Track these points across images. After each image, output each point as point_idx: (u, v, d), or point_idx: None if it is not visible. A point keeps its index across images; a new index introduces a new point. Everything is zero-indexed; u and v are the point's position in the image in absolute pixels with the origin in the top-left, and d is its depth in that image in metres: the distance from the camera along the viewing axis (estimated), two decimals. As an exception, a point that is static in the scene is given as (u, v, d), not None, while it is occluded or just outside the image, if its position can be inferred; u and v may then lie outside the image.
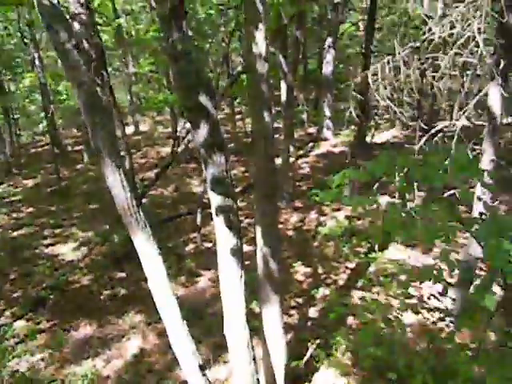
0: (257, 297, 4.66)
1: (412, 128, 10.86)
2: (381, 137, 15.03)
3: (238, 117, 19.29)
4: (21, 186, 14.25)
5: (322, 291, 6.87)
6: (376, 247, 7.69)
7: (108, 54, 19.44)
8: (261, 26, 3.89)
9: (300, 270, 7.61)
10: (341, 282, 7.13)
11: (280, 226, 9.27)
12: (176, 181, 12.88)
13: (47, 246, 9.30)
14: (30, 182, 14.69)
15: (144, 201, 9.71)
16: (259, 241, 4.45)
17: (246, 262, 7.22)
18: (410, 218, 2.46)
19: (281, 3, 7.10)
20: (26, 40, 16.92)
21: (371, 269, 7.22)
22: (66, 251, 8.92)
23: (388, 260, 7.26)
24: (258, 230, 4.43)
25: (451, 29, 4.21)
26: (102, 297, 7.17)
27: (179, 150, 9.71)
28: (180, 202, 11.50)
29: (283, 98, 10.78)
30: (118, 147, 3.19)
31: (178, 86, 3.40)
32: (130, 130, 21.37)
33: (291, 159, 12.95)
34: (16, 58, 19.92)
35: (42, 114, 18.48)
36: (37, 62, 15.92)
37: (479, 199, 4.84)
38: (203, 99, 3.28)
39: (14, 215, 11.47)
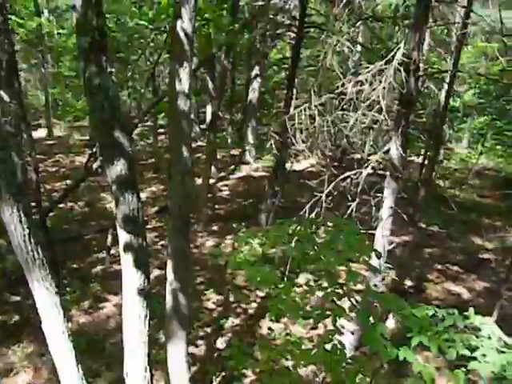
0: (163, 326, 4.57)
1: (328, 158, 11.50)
2: (300, 164, 15.68)
3: (160, 130, 18.97)
4: None
5: (231, 321, 6.91)
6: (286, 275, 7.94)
7: (26, 48, 18.15)
8: (186, 64, 3.93)
9: (212, 298, 7.60)
10: (250, 311, 7.24)
11: (195, 250, 9.23)
12: (88, 194, 12.25)
13: None
14: None
15: (51, 214, 9.10)
16: (169, 274, 4.38)
17: (157, 288, 7.10)
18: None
19: (209, 35, 7.22)
20: None
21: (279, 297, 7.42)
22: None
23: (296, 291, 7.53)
24: (170, 263, 4.37)
25: (361, 85, 4.61)
26: (-9, 323, 6.53)
27: (94, 165, 9.26)
28: (91, 218, 10.93)
29: (208, 120, 10.88)
30: (19, 181, 2.99)
31: (93, 120, 3.31)
32: (42, 133, 19.98)
33: (212, 180, 13.03)
34: None
35: None
36: None
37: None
38: (118, 135, 3.22)
39: None
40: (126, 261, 3.41)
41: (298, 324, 6.21)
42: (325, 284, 2.42)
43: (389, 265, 6.49)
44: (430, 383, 1.96)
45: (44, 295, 3.18)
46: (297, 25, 9.73)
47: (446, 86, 8.62)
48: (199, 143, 17.80)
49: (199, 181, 11.54)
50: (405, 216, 5.92)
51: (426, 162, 10.84)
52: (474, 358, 2.12)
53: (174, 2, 3.96)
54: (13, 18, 6.47)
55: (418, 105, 11.63)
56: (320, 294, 2.45)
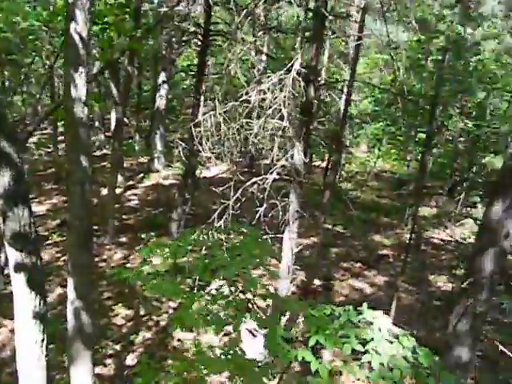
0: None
1: (237, 164, 11.67)
2: (210, 171, 15.69)
3: (60, 138, 17.75)
4: None
5: (143, 335, 6.67)
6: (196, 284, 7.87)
7: None
8: (81, 69, 3.74)
9: (121, 313, 7.26)
10: (162, 323, 7.05)
11: (102, 264, 8.77)
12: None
13: None
14: None
15: None
16: (71, 292, 4.11)
17: (59, 308, 6.59)
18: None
19: (111, 39, 6.94)
20: None
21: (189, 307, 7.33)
22: None
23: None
24: (70, 280, 4.10)
25: (264, 94, 4.76)
26: None
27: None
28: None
29: (112, 126, 10.43)
30: None
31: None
32: None
33: (119, 190, 12.49)
34: None
35: None
36: None
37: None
38: (3, 145, 2.96)
39: None
40: (18, 282, 3.12)
41: (209, 332, 6.18)
42: (226, 291, 2.44)
43: (297, 266, 6.75)
44: (326, 379, 2.08)
45: None
46: (202, 32, 9.77)
47: (344, 95, 9.22)
48: (104, 151, 16.98)
49: (105, 191, 11.00)
50: (311, 218, 6.21)
51: (330, 166, 11.53)
52: (367, 351, 2.29)
53: (67, 3, 3.75)
54: None
55: (320, 112, 12.34)
56: (222, 301, 2.46)
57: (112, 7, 9.48)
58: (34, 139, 16.59)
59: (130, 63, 9.60)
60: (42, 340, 3.26)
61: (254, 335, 5.83)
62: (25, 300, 3.12)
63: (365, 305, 2.63)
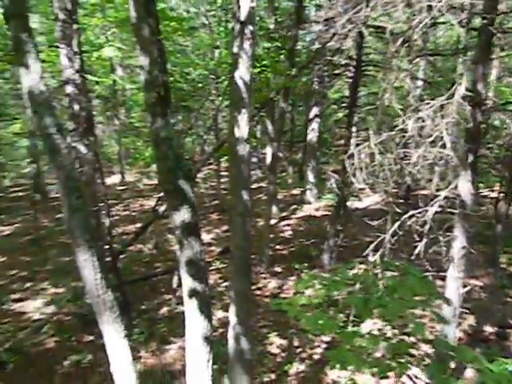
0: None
1: (392, 195, 11.14)
2: (362, 202, 15.32)
3: (224, 173, 19.55)
4: (-3, 233, 13.94)
5: (296, 366, 6.68)
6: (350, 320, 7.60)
7: (100, 103, 19.95)
8: (244, 110, 4.08)
9: (275, 342, 7.43)
10: (316, 357, 6.96)
11: (257, 292, 9.17)
12: (156, 237, 12.75)
13: (15, 301, 8.96)
14: (6, 229, 14.37)
15: (121, 256, 9.57)
16: (232, 318, 4.38)
17: (221, 330, 7.07)
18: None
19: (267, 80, 7.48)
20: (19, 85, 17.30)
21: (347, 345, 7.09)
22: (34, 309, 8.59)
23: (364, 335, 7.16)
24: (232, 306, 4.38)
25: (423, 122, 4.48)
26: (66, 362, 6.83)
27: (161, 208, 9.70)
28: (158, 259, 11.33)
29: (268, 161, 11.07)
30: (92, 228, 3.19)
31: (158, 168, 3.50)
32: (115, 179, 21.45)
33: (274, 221, 13.07)
34: (5, 105, 20.14)
35: (28, 159, 18.56)
36: (27, 109, 16.14)
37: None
38: (182, 183, 3.37)
39: (-15, 265, 11.12)
40: (190, 306, 3.46)
41: (365, 372, 5.86)
42: (389, 333, 2.28)
43: (465, 309, 5.99)
44: None
45: (113, 338, 3.30)
46: (354, 64, 9.81)
47: (517, 116, 8.11)
48: (261, 184, 18.08)
49: (261, 221, 11.63)
50: (480, 255, 5.50)
51: (501, 195, 10.15)
52: None
53: (232, 53, 4.17)
54: (89, 77, 7.20)
55: (488, 137, 11.05)
56: (384, 343, 2.30)
57: (269, 51, 10.28)
58: (200, 174, 18.68)
59: (284, 100, 10.17)
60: (208, 360, 3.53)
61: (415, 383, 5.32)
62: (195, 322, 3.43)
63: None
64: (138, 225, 13.15)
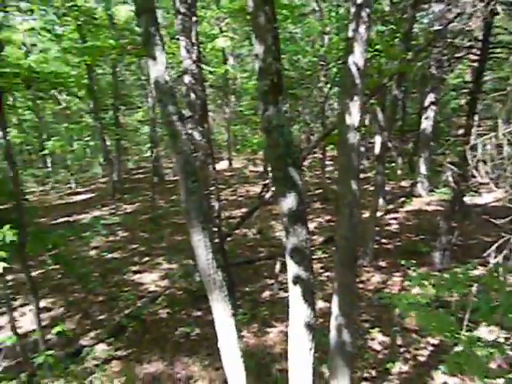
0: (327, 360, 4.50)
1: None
2: (482, 198, 13.96)
3: (328, 162, 19.31)
4: (121, 211, 15.58)
5: (399, 366, 6.39)
6: (465, 324, 7.01)
7: (213, 91, 20.99)
8: (356, 97, 3.93)
9: (377, 338, 7.19)
10: (421, 359, 6.58)
11: (360, 285, 8.93)
12: (260, 222, 13.11)
13: (135, 272, 9.97)
14: (128, 208, 16.00)
15: (228, 239, 10.05)
16: (334, 309, 4.32)
17: (320, 320, 7.05)
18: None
19: (380, 65, 7.12)
20: (143, 77, 19.00)
21: (458, 349, 6.57)
22: (151, 281, 9.47)
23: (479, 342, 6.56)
24: (335, 297, 4.32)
25: None
26: (177, 332, 7.42)
27: (267, 195, 9.92)
28: (261, 244, 11.65)
29: (376, 151, 10.63)
30: (205, 210, 3.37)
31: (268, 155, 3.56)
32: (223, 165, 22.51)
33: (379, 213, 12.56)
34: (130, 96, 22.27)
35: (149, 145, 20.37)
36: (149, 99, 17.61)
37: None
38: (290, 170, 3.38)
39: (111, 238, 12.53)
40: (294, 293, 3.49)
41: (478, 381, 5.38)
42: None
43: None
44: None
45: (221, 315, 3.47)
46: (479, 46, 8.88)
47: None
48: (368, 174, 17.49)
49: (366, 213, 11.26)
50: None
51: None
52: None
53: (346, 38, 4.03)
54: (204, 66, 7.60)
55: None
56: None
57: (383, 34, 9.78)
58: (305, 162, 18.70)
59: (397, 87, 9.61)
60: (310, 348, 3.55)
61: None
62: (299, 310, 3.46)
63: None
64: (244, 210, 13.67)
